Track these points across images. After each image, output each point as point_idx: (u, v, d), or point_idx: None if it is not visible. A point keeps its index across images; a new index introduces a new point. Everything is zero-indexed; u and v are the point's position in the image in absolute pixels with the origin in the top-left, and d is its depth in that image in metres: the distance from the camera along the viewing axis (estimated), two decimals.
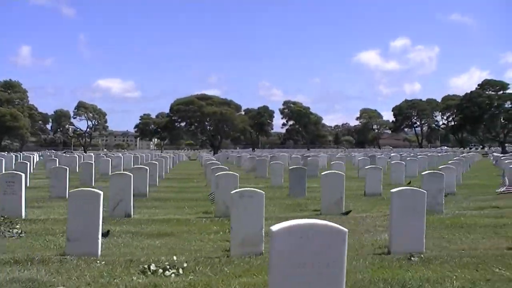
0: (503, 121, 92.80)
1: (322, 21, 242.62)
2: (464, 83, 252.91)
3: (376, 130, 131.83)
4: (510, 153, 58.78)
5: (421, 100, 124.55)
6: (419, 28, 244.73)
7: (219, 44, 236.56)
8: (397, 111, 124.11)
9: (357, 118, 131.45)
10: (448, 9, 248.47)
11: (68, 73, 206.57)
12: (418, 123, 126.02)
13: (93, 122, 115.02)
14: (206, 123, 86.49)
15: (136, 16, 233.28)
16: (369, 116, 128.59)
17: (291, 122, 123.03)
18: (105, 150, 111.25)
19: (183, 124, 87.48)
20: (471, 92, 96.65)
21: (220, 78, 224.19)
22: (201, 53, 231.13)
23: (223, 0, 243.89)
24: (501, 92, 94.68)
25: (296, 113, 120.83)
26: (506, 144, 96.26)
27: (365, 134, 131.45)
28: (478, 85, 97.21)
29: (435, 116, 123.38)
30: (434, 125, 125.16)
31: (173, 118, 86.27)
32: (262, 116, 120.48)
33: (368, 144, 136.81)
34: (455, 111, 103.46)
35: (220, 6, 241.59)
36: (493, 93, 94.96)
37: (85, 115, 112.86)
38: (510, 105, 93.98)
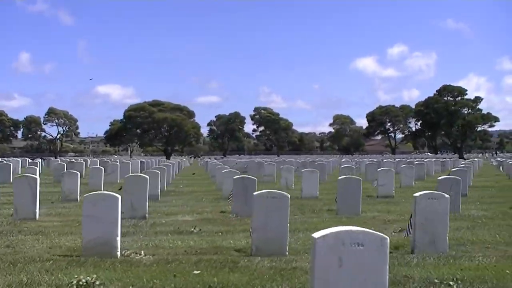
0: (459, 127, 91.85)
1: (320, 27, 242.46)
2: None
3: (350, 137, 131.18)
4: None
5: (394, 106, 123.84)
6: (416, 35, 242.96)
7: (219, 50, 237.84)
8: (370, 117, 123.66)
9: (330, 124, 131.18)
10: (445, 16, 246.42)
11: (67, 79, 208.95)
12: (391, 129, 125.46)
13: (63, 128, 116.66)
14: (163, 129, 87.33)
15: (136, 22, 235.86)
16: (341, 122, 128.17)
17: (261, 128, 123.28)
18: (91, 156, 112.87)
19: (138, 130, 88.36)
20: (428, 98, 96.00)
21: (220, 84, 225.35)
22: (201, 59, 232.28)
23: (223, 6, 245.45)
24: (459, 98, 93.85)
25: (266, 119, 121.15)
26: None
27: (338, 140, 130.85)
28: (437, 90, 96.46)
29: (409, 122, 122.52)
30: (407, 132, 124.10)
31: (127, 125, 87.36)
32: (233, 122, 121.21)
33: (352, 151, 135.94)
34: (415, 117, 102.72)
35: (220, 13, 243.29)
36: (451, 99, 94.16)
37: (56, 121, 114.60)
38: (468, 111, 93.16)
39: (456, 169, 21.23)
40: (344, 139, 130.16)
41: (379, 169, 20.94)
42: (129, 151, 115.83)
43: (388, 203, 16.09)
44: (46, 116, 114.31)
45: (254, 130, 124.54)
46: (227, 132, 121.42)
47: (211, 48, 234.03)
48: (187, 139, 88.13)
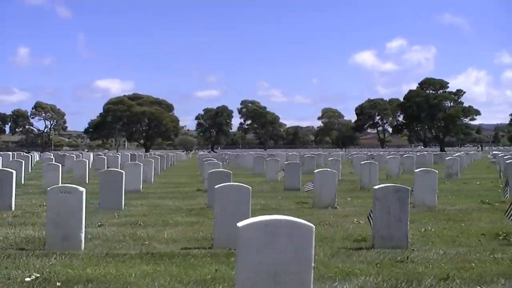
0: (440, 120, 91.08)
1: (319, 22, 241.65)
2: (462, 83, 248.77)
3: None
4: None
5: (382, 99, 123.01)
6: (415, 29, 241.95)
7: (218, 44, 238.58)
8: (359, 110, 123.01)
9: (319, 118, 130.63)
10: (444, 10, 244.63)
11: (66, 73, 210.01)
12: (380, 122, 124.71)
13: (51, 122, 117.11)
14: (142, 123, 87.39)
15: (135, 16, 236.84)
16: (330, 115, 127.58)
17: (248, 122, 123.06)
18: (86, 150, 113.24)
19: (119, 124, 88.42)
20: (409, 91, 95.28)
21: (218, 77, 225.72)
22: (200, 53, 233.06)
23: (223, 1, 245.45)
24: (441, 91, 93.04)
25: (253, 112, 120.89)
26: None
27: (327, 134, 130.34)
28: (419, 83, 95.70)
29: (398, 116, 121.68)
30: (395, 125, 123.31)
31: (106, 118, 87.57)
32: (220, 116, 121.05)
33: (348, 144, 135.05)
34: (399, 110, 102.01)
35: (219, 7, 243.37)
36: (433, 92, 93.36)
37: (42, 115, 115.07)
38: (450, 105, 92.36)
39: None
40: (332, 133, 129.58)
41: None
42: (116, 145, 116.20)
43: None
44: (33, 110, 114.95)
45: (241, 124, 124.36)
46: (214, 126, 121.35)
47: (211, 42, 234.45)
48: (166, 133, 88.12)
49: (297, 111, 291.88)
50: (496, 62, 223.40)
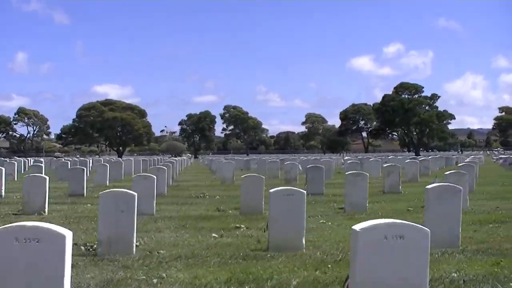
0: (414, 125, 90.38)
1: (316, 27, 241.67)
2: (460, 87, 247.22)
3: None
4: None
5: (366, 104, 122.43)
6: (412, 34, 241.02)
7: (216, 49, 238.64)
8: (343, 115, 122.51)
9: (303, 123, 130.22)
10: (441, 15, 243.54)
11: (65, 79, 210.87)
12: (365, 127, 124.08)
13: (34, 128, 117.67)
14: (114, 129, 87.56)
15: (133, 22, 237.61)
16: (313, 120, 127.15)
17: (231, 127, 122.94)
18: (78, 156, 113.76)
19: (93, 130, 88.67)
20: (384, 95, 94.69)
21: (217, 83, 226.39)
22: (199, 58, 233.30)
23: (221, 6, 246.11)
24: (416, 95, 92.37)
25: (236, 117, 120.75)
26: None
27: (310, 139, 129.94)
28: (394, 88, 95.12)
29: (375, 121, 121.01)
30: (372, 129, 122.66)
31: (78, 124, 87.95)
32: (203, 121, 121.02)
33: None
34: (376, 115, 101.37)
35: (217, 12, 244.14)
36: (409, 96, 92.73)
37: (25, 120, 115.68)
38: (427, 109, 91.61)
39: None
40: (315, 138, 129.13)
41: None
42: (99, 151, 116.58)
43: None
44: (16, 115, 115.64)
45: (223, 129, 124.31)
46: (197, 131, 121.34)
47: (209, 48, 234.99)
48: (138, 138, 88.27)
49: (297, 115, 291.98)
50: (493, 66, 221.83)
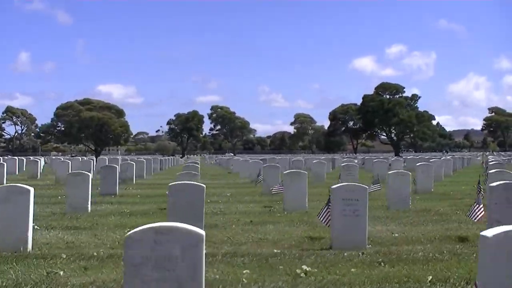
0: (394, 125, 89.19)
1: (320, 27, 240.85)
2: (463, 88, 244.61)
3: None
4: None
5: (355, 104, 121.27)
6: (415, 35, 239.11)
7: (219, 49, 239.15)
8: (332, 116, 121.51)
9: (292, 124, 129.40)
10: (444, 16, 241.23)
11: (68, 79, 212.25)
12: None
13: (21, 127, 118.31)
14: (91, 129, 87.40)
15: (136, 22, 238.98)
16: (302, 121, 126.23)
17: (218, 127, 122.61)
18: (74, 154, 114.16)
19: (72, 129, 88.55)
20: (364, 95, 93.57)
21: (220, 83, 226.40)
22: (202, 58, 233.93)
23: (223, 6, 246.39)
24: (398, 95, 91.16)
25: (223, 117, 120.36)
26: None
27: (299, 139, 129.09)
28: (375, 88, 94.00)
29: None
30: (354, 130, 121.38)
31: (56, 123, 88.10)
32: (191, 121, 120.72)
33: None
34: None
35: (221, 12, 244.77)
36: (389, 96, 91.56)
37: (12, 119, 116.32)
38: (408, 109, 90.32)
39: None
40: (304, 138, 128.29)
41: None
42: (85, 150, 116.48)
43: None
44: (4, 114, 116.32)
45: (211, 129, 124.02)
46: (185, 131, 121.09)
47: (212, 47, 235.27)
48: (116, 138, 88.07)
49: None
50: (496, 67, 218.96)
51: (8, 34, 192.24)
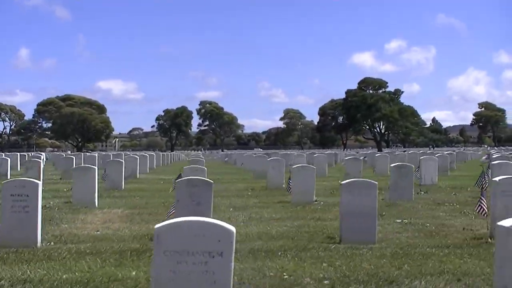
0: (377, 120, 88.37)
1: (319, 23, 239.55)
2: (462, 83, 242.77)
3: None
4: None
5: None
6: (414, 30, 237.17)
7: (219, 45, 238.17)
8: (322, 111, 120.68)
9: (281, 119, 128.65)
10: (443, 11, 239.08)
11: (68, 75, 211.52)
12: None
13: (10, 124, 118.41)
14: (72, 125, 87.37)
15: (136, 18, 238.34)
16: (291, 116, 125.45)
17: (206, 123, 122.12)
18: (70, 150, 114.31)
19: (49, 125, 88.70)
20: (347, 90, 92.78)
21: (220, 79, 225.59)
22: (202, 54, 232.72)
23: (224, 2, 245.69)
24: (381, 90, 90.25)
25: (211, 113, 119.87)
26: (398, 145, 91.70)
27: (288, 135, 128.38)
28: (358, 83, 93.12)
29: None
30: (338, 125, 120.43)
31: (37, 119, 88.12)
32: (179, 117, 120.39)
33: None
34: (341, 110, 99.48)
35: (221, 9, 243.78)
36: (373, 91, 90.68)
37: (0, 116, 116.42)
38: (391, 104, 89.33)
39: None
40: (293, 133, 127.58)
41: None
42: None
43: None
44: None
45: (199, 125, 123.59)
46: (173, 127, 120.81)
47: (212, 44, 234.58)
48: (97, 134, 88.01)
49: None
50: (496, 62, 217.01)
51: (8, 30, 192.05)
